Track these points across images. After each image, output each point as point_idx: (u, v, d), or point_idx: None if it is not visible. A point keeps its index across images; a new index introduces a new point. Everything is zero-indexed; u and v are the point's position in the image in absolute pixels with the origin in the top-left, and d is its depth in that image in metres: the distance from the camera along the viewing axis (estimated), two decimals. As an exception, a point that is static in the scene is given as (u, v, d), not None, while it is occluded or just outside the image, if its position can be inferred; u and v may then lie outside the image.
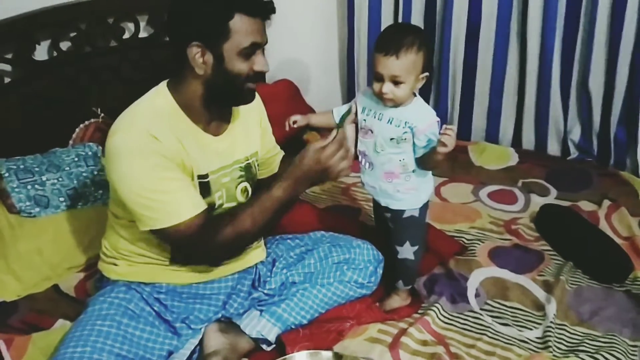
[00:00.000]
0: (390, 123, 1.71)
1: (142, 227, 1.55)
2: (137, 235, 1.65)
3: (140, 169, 1.50)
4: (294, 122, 1.82)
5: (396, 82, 1.64)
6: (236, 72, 1.55)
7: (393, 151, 1.73)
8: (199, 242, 1.55)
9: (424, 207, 1.85)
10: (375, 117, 1.74)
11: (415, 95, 1.74)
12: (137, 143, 1.50)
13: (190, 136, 1.60)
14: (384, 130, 1.73)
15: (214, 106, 1.63)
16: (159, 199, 1.51)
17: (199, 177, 1.62)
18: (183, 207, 1.53)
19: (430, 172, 1.82)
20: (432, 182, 1.86)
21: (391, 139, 1.70)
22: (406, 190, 1.78)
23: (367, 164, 1.80)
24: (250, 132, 1.79)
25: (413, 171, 1.76)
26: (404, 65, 1.63)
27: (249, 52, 1.54)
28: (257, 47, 1.56)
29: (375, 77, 1.68)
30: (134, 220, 1.59)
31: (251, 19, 1.52)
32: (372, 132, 1.75)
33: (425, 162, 1.74)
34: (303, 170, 1.56)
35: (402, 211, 1.82)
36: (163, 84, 1.63)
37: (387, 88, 1.65)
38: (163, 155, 1.51)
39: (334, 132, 1.57)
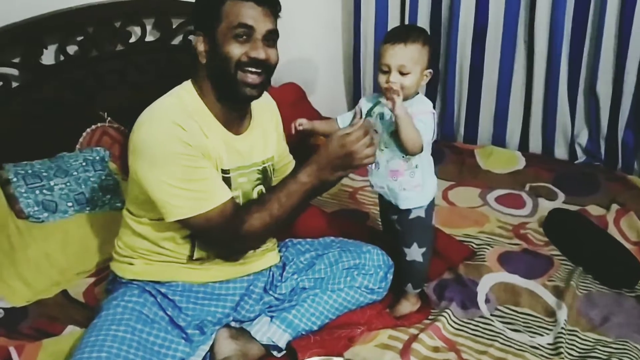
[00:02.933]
0: (392, 119, 1.72)
1: (169, 217, 1.56)
2: (158, 233, 1.66)
3: (169, 158, 1.52)
4: (300, 125, 1.83)
5: (403, 73, 1.68)
6: (229, 56, 1.56)
7: (395, 146, 1.74)
8: (230, 229, 1.58)
9: (430, 208, 1.85)
10: (378, 118, 1.77)
11: (417, 92, 1.77)
12: (164, 133, 1.52)
13: (215, 131, 1.63)
14: (386, 127, 1.76)
15: (226, 100, 1.64)
16: (189, 187, 1.53)
17: (222, 171, 1.64)
18: (214, 194, 1.56)
19: (432, 168, 1.84)
20: (435, 178, 1.87)
21: (391, 132, 1.72)
22: (412, 188, 1.79)
23: (374, 164, 1.81)
24: (268, 137, 1.81)
25: (416, 166, 1.77)
26: (411, 54, 1.68)
27: (241, 35, 1.55)
28: (249, 29, 1.55)
29: (381, 70, 1.72)
30: (158, 218, 1.61)
31: (243, 2, 1.55)
32: (376, 132, 1.77)
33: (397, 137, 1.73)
34: (328, 154, 1.58)
35: (409, 212, 1.82)
36: (188, 82, 1.66)
37: (395, 77, 1.68)
38: (189, 144, 1.53)
39: (360, 120, 1.60)
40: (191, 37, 2.74)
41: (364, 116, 1.78)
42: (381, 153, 1.77)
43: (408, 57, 1.68)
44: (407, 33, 1.71)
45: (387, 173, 1.79)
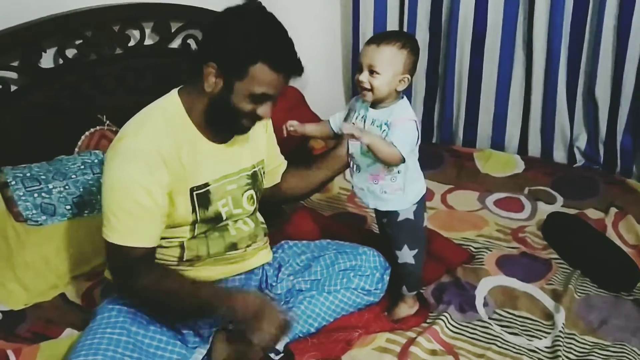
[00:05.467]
0: (373, 124, 1.72)
1: (104, 235, 1.57)
2: None
3: (124, 182, 1.52)
4: (291, 126, 1.83)
5: (372, 72, 1.67)
6: (238, 108, 1.57)
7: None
8: (128, 273, 1.57)
9: (419, 211, 1.83)
10: (362, 120, 1.76)
11: (402, 97, 1.75)
12: (135, 155, 1.52)
13: (194, 144, 1.62)
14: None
15: (214, 122, 1.64)
16: (120, 217, 1.53)
17: (197, 188, 1.63)
18: (133, 234, 1.54)
19: (419, 173, 1.82)
20: (421, 183, 1.84)
21: None
22: (393, 192, 1.78)
23: (355, 167, 1.81)
24: (257, 140, 1.81)
25: (398, 172, 1.75)
26: (383, 55, 1.66)
27: (257, 99, 1.56)
28: (267, 97, 1.57)
29: (358, 68, 1.72)
30: None
31: (273, 72, 1.53)
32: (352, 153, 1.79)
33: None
34: (245, 297, 1.55)
35: (397, 215, 1.81)
36: (174, 91, 1.66)
37: (364, 76, 1.68)
38: (155, 175, 1.52)
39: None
40: (190, 40, 2.75)
41: (351, 117, 1.78)
42: (362, 157, 1.76)
43: (379, 58, 1.66)
44: (384, 36, 1.71)
45: (367, 176, 1.78)
